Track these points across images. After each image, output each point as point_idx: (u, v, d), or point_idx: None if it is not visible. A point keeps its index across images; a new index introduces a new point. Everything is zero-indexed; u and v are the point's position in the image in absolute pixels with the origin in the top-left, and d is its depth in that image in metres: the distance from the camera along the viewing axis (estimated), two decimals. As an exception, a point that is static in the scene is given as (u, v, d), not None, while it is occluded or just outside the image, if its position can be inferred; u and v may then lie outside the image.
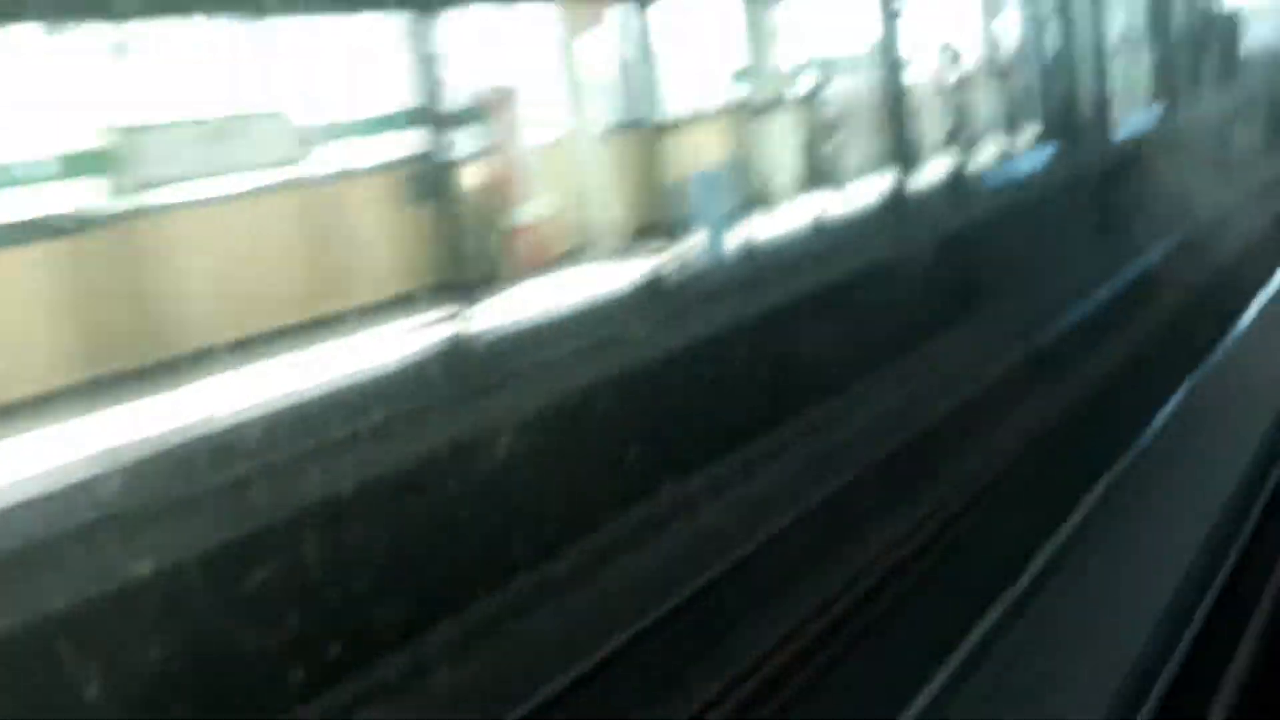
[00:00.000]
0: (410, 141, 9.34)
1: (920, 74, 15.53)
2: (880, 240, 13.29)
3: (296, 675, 6.11)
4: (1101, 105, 19.55)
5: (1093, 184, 18.05)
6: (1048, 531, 7.89)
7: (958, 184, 15.52)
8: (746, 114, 12.98)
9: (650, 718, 6.45)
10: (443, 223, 8.78)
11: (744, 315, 10.54)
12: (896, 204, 13.97)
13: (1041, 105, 18.26)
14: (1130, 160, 19.56)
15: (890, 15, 13.78)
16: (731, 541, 8.24)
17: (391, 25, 9.18)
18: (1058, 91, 18.45)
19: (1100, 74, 19.51)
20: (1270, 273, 14.32)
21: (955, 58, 15.89)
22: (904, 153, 13.88)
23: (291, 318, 9.07)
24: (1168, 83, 22.51)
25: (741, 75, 13.95)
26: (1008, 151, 16.99)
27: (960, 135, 15.99)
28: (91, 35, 8.07)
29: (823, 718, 6.54)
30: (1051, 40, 18.46)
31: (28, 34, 7.76)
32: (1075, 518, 8.10)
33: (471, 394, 7.91)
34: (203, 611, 5.92)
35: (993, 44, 17.39)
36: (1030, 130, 17.95)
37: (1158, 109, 22.01)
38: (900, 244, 13.51)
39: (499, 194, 11.34)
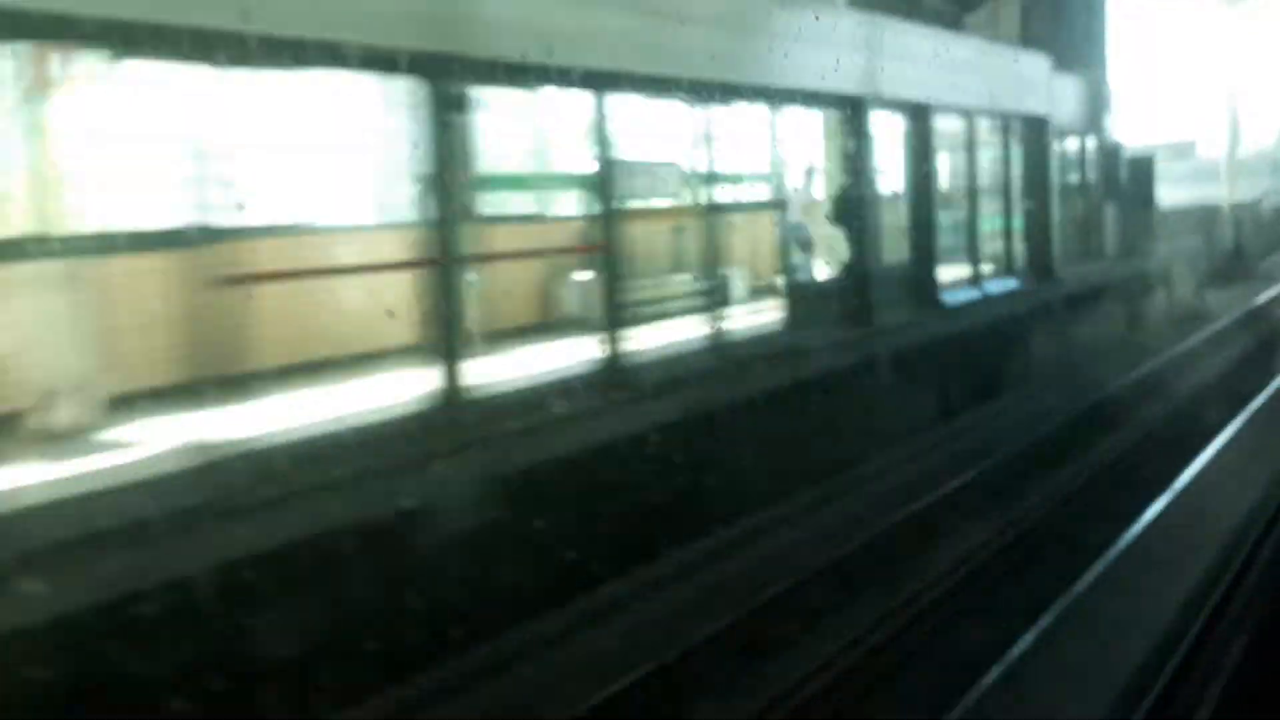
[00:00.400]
0: None
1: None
2: (401, 469, 8.09)
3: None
4: (920, 270, 14.39)
5: (875, 382, 12.93)
6: None
7: (615, 373, 10.32)
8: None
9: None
10: None
11: None
12: (452, 405, 8.75)
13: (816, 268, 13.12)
14: (951, 352, 14.42)
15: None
16: None
17: None
18: (851, 251, 13.31)
19: (921, 229, 14.35)
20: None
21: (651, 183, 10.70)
22: (450, 329, 8.64)
23: None
24: (1041, 245, 17.38)
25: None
26: (725, 326, 11.68)
27: (632, 298, 10.83)
28: None
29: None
30: (845, 184, 13.39)
31: None
32: None
33: None
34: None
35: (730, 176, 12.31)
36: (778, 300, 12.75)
37: (1021, 278, 16.89)
38: (445, 476, 8.34)
39: None
